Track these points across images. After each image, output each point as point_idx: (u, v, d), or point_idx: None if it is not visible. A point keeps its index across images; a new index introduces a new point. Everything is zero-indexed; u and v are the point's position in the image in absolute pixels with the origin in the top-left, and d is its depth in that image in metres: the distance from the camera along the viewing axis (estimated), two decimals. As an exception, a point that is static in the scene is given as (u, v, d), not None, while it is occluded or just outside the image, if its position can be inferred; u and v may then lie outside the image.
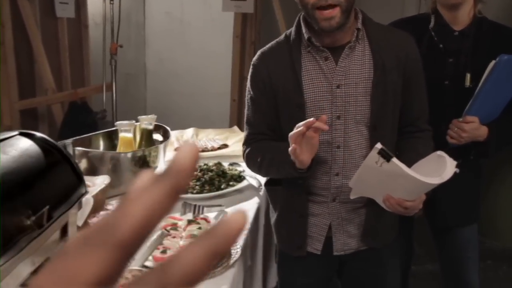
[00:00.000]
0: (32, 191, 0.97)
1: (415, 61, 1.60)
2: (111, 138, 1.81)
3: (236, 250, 1.45)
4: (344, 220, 1.62)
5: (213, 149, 2.03)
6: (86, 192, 1.18)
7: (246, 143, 1.70)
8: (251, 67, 1.68)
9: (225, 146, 2.07)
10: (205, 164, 1.82)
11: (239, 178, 1.79)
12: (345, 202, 1.57)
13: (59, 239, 1.11)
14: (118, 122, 1.77)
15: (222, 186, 1.73)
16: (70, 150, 1.55)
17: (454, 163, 1.33)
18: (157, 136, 1.84)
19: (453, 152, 1.50)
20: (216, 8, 3.00)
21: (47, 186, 1.04)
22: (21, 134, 1.10)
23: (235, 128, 2.28)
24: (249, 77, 1.68)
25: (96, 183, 1.44)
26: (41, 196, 0.99)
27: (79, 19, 3.17)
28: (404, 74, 1.56)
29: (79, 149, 1.57)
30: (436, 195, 1.60)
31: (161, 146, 1.70)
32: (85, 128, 1.86)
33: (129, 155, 1.61)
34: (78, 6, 3.12)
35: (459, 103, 1.84)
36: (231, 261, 1.40)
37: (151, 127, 1.83)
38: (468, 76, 1.88)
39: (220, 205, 1.64)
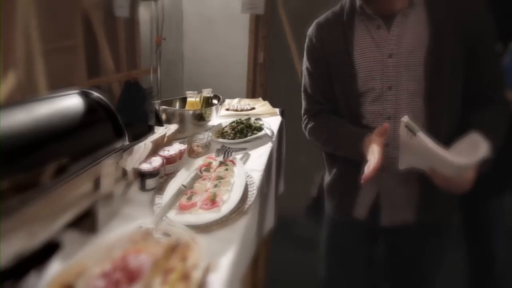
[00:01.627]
0: (44, 150, 0.77)
1: (481, 24, 1.13)
2: (184, 101, 1.95)
3: (252, 192, 1.20)
4: (393, 191, 1.26)
5: (246, 110, 2.17)
6: (125, 146, 1.06)
7: (306, 113, 1.42)
8: (307, 37, 1.35)
9: (253, 108, 2.21)
10: (239, 119, 1.88)
11: (260, 128, 1.79)
12: (396, 173, 1.20)
13: (92, 191, 0.94)
14: (187, 92, 1.94)
15: (248, 134, 1.73)
16: (157, 107, 1.70)
17: (487, 146, 0.97)
18: (214, 101, 1.97)
19: None
20: (236, 11, 3.00)
21: (69, 143, 0.85)
22: (81, 92, 1.00)
23: (260, 99, 2.41)
24: (305, 47, 1.36)
25: (160, 130, 1.49)
26: (54, 153, 0.79)
27: (132, 17, 3.14)
28: (467, 40, 1.12)
29: (162, 107, 1.71)
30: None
31: (214, 107, 1.80)
32: (136, 101, 1.88)
33: (190, 112, 1.73)
34: (132, 7, 3.06)
35: None
36: (246, 206, 1.12)
37: (209, 95, 1.98)
38: (499, 44, 1.36)
39: (245, 148, 1.61)
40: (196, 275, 0.71)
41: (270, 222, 1.65)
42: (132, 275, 0.63)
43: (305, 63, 1.37)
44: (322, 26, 1.30)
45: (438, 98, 1.14)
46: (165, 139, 1.48)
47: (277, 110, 2.12)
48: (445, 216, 1.31)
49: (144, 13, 3.20)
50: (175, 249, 0.77)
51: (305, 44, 1.35)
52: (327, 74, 1.29)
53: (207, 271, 0.77)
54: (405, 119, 1.01)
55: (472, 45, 1.12)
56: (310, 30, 1.34)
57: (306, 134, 1.43)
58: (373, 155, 1.08)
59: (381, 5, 1.17)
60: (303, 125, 1.44)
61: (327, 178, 1.44)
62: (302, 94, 1.42)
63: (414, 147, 1.02)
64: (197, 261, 0.74)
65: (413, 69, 1.15)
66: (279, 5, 2.93)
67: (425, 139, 0.98)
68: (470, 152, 0.98)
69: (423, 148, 0.99)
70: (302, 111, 1.44)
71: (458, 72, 1.14)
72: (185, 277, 0.70)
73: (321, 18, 1.33)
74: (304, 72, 1.38)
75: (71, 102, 0.94)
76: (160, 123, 1.58)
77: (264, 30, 3.03)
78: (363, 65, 1.20)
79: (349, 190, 1.32)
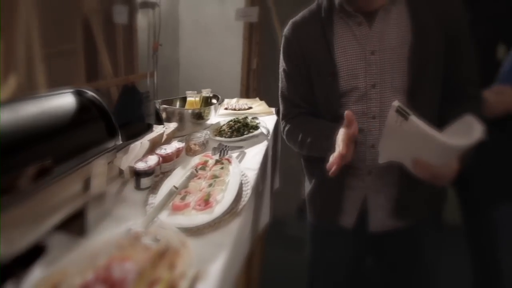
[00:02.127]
0: (28, 150, 0.68)
1: (460, 20, 1.05)
2: (184, 101, 1.92)
3: (247, 192, 1.11)
4: (380, 195, 1.14)
5: (244, 109, 2.16)
6: (118, 145, 0.97)
7: (284, 118, 1.27)
8: (283, 38, 1.21)
9: (250, 107, 2.20)
10: (237, 118, 1.85)
11: (256, 127, 1.76)
12: (381, 176, 1.11)
13: (82, 192, 0.84)
14: (187, 91, 1.88)
15: (245, 133, 1.69)
16: (158, 107, 1.65)
17: (482, 128, 0.86)
18: (214, 101, 1.94)
19: (489, 123, 0.90)
20: (231, 18, 2.96)
21: (57, 143, 0.76)
22: (75, 91, 0.91)
23: (257, 99, 2.40)
24: (281, 49, 1.22)
25: (158, 129, 1.44)
26: (39, 153, 0.70)
27: (130, 24, 3.06)
28: (447, 35, 1.04)
29: (163, 106, 1.68)
30: (469, 167, 0.97)
31: (212, 107, 1.78)
32: (133, 104, 1.82)
33: (189, 111, 1.70)
34: (130, 15, 2.98)
35: (490, 75, 1.22)
36: (240, 207, 1.03)
37: (208, 95, 1.96)
38: (502, 46, 1.24)
39: (241, 147, 1.57)
40: (183, 286, 0.62)
41: (265, 217, 1.58)
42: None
43: (281, 65, 1.23)
44: (299, 25, 1.18)
45: (421, 93, 1.04)
46: (164, 137, 1.44)
47: (273, 109, 2.11)
48: (434, 212, 1.20)
49: (141, 20, 3.14)
50: (163, 255, 0.67)
51: (282, 45, 1.22)
52: (306, 74, 1.16)
53: (195, 280, 0.68)
54: (396, 103, 0.88)
55: (450, 42, 1.04)
56: (286, 30, 1.21)
57: (285, 138, 1.30)
58: (338, 146, 0.95)
59: (362, 2, 1.07)
60: (282, 130, 1.30)
61: (308, 187, 1.29)
62: (280, 99, 1.27)
63: (402, 134, 0.89)
64: (185, 270, 0.65)
65: (397, 66, 1.05)
66: (272, 13, 2.89)
67: (418, 122, 0.86)
68: (465, 134, 0.87)
69: (415, 132, 0.87)
70: (281, 116, 1.30)
71: (439, 67, 1.06)
72: (172, 287, 0.61)
73: (297, 17, 1.20)
74: (281, 75, 1.24)
75: (63, 100, 0.86)
76: (160, 121, 1.55)
77: (258, 36, 3.00)
78: (345, 63, 1.08)
79: (333, 198, 1.18)
